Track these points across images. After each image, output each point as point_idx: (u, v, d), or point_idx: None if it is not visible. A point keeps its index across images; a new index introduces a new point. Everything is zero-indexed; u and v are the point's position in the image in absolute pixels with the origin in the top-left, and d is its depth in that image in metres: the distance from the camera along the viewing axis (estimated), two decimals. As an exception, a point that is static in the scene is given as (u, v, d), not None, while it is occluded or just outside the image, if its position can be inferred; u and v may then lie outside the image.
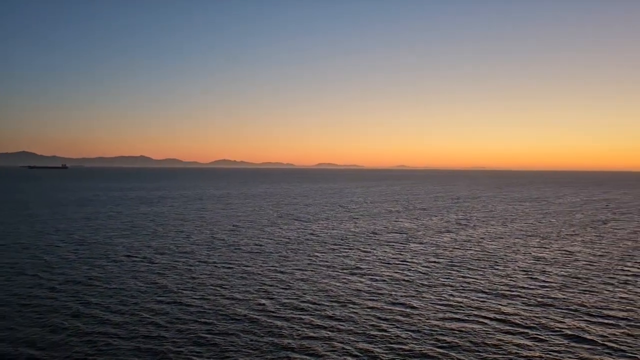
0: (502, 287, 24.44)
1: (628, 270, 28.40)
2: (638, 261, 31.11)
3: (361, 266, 29.06)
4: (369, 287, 24.29)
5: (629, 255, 33.08)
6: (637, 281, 25.76)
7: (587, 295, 23.12)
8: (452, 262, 30.42)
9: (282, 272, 27.24)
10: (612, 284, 25.23)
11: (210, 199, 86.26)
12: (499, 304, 21.56)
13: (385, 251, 34.06)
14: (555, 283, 25.25)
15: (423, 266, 29.13)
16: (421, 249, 34.93)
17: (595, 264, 30.27)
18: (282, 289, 23.93)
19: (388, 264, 29.80)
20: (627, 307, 21.20)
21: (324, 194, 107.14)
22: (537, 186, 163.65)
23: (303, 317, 19.69)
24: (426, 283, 25.08)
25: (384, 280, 25.57)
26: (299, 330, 18.23)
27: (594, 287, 24.63)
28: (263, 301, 21.73)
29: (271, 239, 38.99)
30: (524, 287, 24.34)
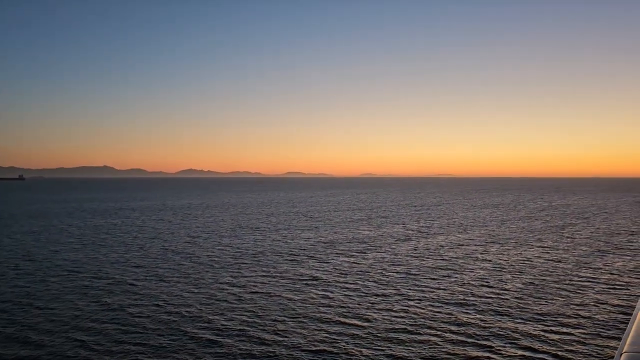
0: (457, 295, 24.00)
1: (583, 277, 28.49)
2: (593, 267, 31.31)
3: (316, 276, 28.23)
4: (322, 297, 23.48)
5: (584, 262, 33.30)
6: (592, 287, 25.78)
7: (542, 303, 23.01)
8: (409, 271, 29.92)
9: (234, 285, 26.14)
10: (568, 290, 25.22)
11: (169, 210, 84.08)
12: (454, 313, 21.07)
13: (341, 261, 33.34)
14: (511, 291, 25.00)
15: (379, 276, 28.50)
16: (378, 258, 34.36)
17: (550, 270, 30.29)
18: (234, 302, 22.88)
19: (343, 274, 29.05)
20: (583, 314, 21.10)
21: (288, 203, 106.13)
22: (499, 192, 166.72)
23: (252, 331, 18.74)
24: (381, 293, 24.42)
25: (337, 291, 24.80)
26: (247, 345, 17.28)
27: (549, 293, 24.49)
28: (212, 316, 20.64)
29: (226, 251, 37.79)
30: (479, 296, 23.96)
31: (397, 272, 29.47)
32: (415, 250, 38.09)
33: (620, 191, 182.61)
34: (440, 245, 40.48)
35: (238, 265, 31.81)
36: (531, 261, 33.36)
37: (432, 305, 22.34)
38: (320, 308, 21.92)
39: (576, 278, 28.28)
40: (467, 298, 23.63)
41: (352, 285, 26.16)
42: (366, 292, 24.80)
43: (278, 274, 28.96)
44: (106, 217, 68.92)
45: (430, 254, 36.29)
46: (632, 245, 40.43)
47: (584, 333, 18.73)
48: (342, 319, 20.34)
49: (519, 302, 23.03)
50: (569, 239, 44.35)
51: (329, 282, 27.00)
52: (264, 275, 28.64)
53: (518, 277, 28.30)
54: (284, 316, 20.77)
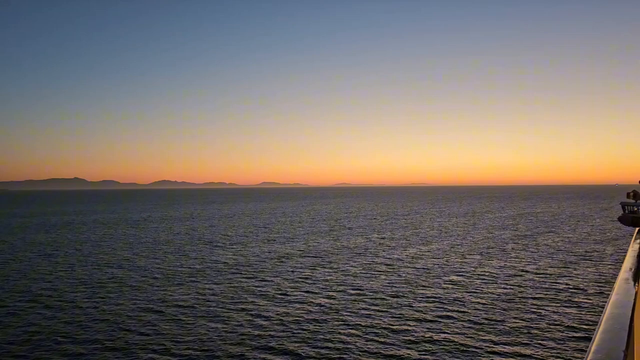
0: (423, 310, 21.40)
1: (552, 287, 26.30)
2: (562, 276, 29.17)
3: (260, 293, 25.26)
4: (260, 316, 20.56)
5: (552, 271, 31.16)
6: (560, 297, 23.53)
7: (512, 314, 21.41)
8: (362, 287, 27.22)
9: (170, 301, 23.00)
10: (536, 301, 23.31)
11: (123, 223, 79.94)
12: (423, 325, 18.52)
13: (289, 278, 30.43)
14: (483, 302, 22.53)
15: (332, 292, 25.72)
16: (330, 274, 31.57)
17: (517, 281, 28.04)
18: (167, 319, 19.85)
19: (294, 287, 26.17)
20: (552, 325, 19.32)
21: (252, 215, 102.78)
22: (469, 201, 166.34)
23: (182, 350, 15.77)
24: (332, 310, 21.64)
25: (272, 310, 21.91)
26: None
27: (518, 305, 22.19)
28: (133, 336, 17.56)
29: (171, 266, 34.52)
30: (445, 309, 21.42)
31: (349, 288, 26.72)
32: (375, 263, 35.44)
33: (589, 199, 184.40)
34: (402, 258, 37.94)
35: (178, 281, 28.65)
36: (500, 271, 31.15)
37: (400, 319, 19.78)
38: (255, 328, 19.00)
39: (545, 288, 27.02)
40: (427, 311, 21.06)
41: (294, 306, 23.29)
42: (311, 311, 21.98)
43: (215, 292, 25.91)
44: (50, 232, 64.57)
45: (394, 267, 33.70)
46: (598, 254, 38.63)
47: (553, 345, 17.92)
48: (281, 342, 17.47)
49: (489, 315, 21.83)
50: (536, 248, 42.39)
51: (267, 301, 24.10)
52: (202, 292, 25.56)
53: (488, 288, 26.02)
54: (223, 336, 17.81)
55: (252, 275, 31.68)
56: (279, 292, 26.88)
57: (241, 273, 32.58)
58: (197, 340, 18.69)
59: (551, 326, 20.20)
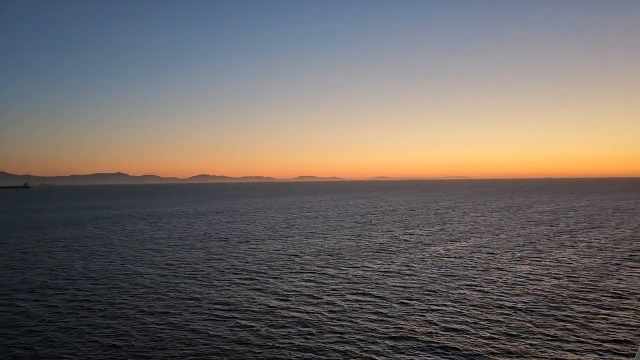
0: (465, 309, 19.05)
1: (600, 288, 23.37)
2: (611, 277, 26.08)
3: (279, 294, 23.38)
4: (257, 319, 18.68)
5: (600, 272, 28.03)
6: (609, 299, 20.67)
7: (545, 320, 18.73)
8: (377, 289, 24.91)
9: (195, 299, 21.45)
10: (584, 303, 20.59)
11: (152, 217, 79.90)
12: (463, 328, 16.27)
13: (297, 278, 28.41)
14: (526, 302, 19.96)
15: (344, 294, 23.56)
16: (344, 274, 29.37)
17: (563, 282, 25.17)
18: (180, 317, 18.23)
19: (348, 283, 24.18)
20: (595, 332, 16.77)
21: (280, 209, 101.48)
22: (504, 195, 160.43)
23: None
24: (380, 305, 19.54)
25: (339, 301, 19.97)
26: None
27: (564, 307, 19.50)
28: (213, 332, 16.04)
29: (187, 262, 33.10)
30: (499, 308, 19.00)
31: (363, 290, 24.49)
32: (396, 262, 33.04)
33: (637, 191, 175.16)
34: (426, 257, 35.34)
35: (199, 279, 27.14)
36: (534, 272, 28.24)
37: (444, 318, 17.58)
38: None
39: (586, 291, 24.33)
40: (471, 311, 18.68)
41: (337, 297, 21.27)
42: (354, 303, 19.92)
43: (261, 288, 24.19)
44: (78, 227, 64.80)
45: (441, 262, 31.27)
46: (645, 257, 34.98)
47: (595, 357, 15.98)
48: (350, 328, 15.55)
49: (520, 321, 19.60)
50: (576, 247, 38.97)
51: (279, 303, 22.19)
52: (249, 288, 23.91)
53: (519, 291, 23.30)
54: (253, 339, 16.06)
55: (258, 275, 29.82)
56: (283, 292, 24.90)
57: (247, 272, 30.79)
58: (206, 336, 16.91)
59: (594, 334, 18.04)
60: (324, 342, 17.87)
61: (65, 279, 30.20)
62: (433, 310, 21.92)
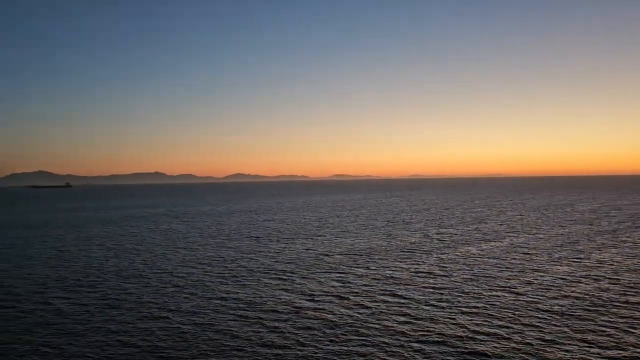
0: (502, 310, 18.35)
1: None
2: None
3: (310, 296, 23.08)
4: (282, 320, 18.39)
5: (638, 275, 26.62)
6: None
7: (583, 326, 17.37)
8: (403, 290, 24.26)
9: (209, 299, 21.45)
10: (622, 308, 19.34)
11: (186, 216, 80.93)
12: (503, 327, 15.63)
13: (322, 278, 27.97)
14: (544, 312, 19.07)
15: (369, 296, 23.02)
16: (371, 275, 28.77)
17: (595, 285, 23.96)
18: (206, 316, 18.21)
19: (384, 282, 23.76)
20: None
21: (311, 208, 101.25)
22: (545, 193, 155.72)
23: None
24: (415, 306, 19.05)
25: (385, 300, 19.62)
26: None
27: (592, 315, 18.49)
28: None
29: (219, 261, 33.17)
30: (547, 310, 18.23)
31: (389, 292, 23.88)
32: (426, 263, 32.25)
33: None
34: (458, 259, 34.37)
35: (225, 277, 27.16)
36: (571, 275, 26.99)
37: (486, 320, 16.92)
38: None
39: (636, 292, 23.05)
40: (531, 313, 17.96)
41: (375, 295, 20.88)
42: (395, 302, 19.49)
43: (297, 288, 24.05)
44: (109, 225, 66.17)
45: (474, 262, 30.41)
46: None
47: None
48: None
49: (571, 320, 18.72)
50: (619, 248, 37.20)
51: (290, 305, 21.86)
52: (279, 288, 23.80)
53: (555, 295, 22.26)
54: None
55: (286, 274, 29.54)
56: (310, 292, 24.53)
57: (275, 271, 30.57)
58: (227, 335, 16.74)
59: (636, 340, 16.95)
60: (349, 344, 17.40)
61: (98, 276, 30.66)
62: (464, 312, 21.15)
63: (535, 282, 26.84)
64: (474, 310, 21.49)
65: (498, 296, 23.88)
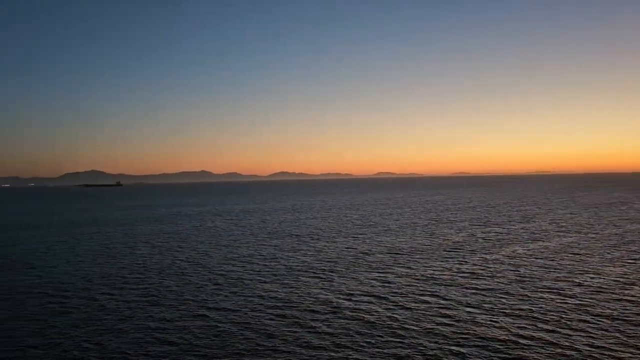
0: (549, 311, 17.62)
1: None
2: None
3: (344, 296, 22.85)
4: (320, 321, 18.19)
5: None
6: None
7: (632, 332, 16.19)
8: (445, 292, 23.56)
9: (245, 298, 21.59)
10: None
11: (229, 214, 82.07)
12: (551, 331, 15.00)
13: (361, 278, 27.55)
14: (596, 319, 18.09)
15: (409, 297, 22.49)
16: (412, 276, 28.14)
17: None
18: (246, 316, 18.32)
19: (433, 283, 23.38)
20: None
21: (353, 207, 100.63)
22: (600, 191, 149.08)
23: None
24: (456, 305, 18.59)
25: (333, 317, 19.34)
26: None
27: None
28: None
29: (259, 259, 33.37)
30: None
31: (430, 294, 23.26)
32: (470, 263, 31.32)
33: None
34: (503, 259, 33.22)
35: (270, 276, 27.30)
36: (625, 278, 25.55)
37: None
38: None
39: None
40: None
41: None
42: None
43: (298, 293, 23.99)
44: (155, 223, 67.81)
45: (520, 262, 29.43)
46: None
47: None
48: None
49: (623, 325, 17.08)
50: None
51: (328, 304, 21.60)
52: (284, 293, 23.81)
53: (606, 300, 21.11)
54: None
55: (325, 272, 29.30)
56: (349, 291, 24.18)
57: (314, 270, 30.38)
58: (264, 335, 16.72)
59: None
60: (387, 346, 16.98)
61: (141, 273, 31.35)
62: (507, 315, 20.30)
63: (585, 284, 25.56)
64: (518, 312, 20.61)
65: (544, 298, 22.84)
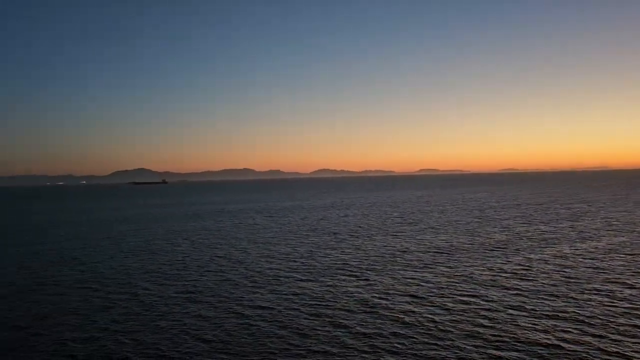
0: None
1: None
2: None
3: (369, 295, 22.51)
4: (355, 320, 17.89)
5: None
6: None
7: None
8: (486, 293, 22.79)
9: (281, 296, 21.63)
10: None
11: (269, 211, 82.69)
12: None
13: (397, 277, 26.99)
14: None
15: (443, 298, 21.87)
16: (448, 276, 27.37)
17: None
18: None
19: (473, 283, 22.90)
20: None
21: (403, 202, 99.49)
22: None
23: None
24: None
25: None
26: None
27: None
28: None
29: (297, 256, 33.37)
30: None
31: (469, 295, 22.54)
32: (512, 262, 30.24)
33: None
34: (548, 259, 31.93)
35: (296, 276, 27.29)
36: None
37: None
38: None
39: None
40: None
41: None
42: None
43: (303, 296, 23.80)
44: (189, 221, 68.97)
45: (566, 263, 28.34)
46: None
47: None
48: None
49: None
50: None
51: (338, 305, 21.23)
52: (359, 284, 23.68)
53: None
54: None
55: (362, 271, 28.89)
56: (386, 290, 23.72)
57: (351, 268, 30.02)
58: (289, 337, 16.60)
59: None
60: (422, 348, 16.48)
61: (180, 270, 31.84)
62: (551, 317, 19.38)
63: (638, 286, 24.16)
64: (563, 315, 19.64)
65: (592, 301, 21.71)
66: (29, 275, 31.41)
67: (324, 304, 22.45)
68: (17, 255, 40.07)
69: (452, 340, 17.24)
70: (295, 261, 33.72)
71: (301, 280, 27.66)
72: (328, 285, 26.05)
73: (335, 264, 32.34)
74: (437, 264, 31.18)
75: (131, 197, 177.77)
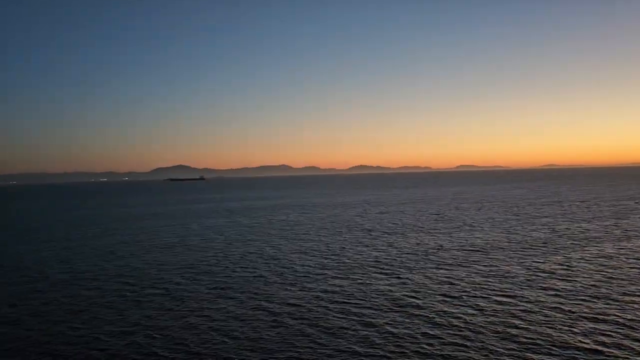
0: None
1: None
2: None
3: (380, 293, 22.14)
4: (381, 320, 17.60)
5: None
6: None
7: None
8: (522, 293, 22.02)
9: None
10: None
11: (304, 207, 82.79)
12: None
13: (428, 276, 26.41)
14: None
15: (475, 299, 21.27)
16: (482, 276, 26.61)
17: None
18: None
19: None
20: None
21: (439, 199, 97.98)
22: None
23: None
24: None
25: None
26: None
27: None
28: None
29: (329, 252, 33.25)
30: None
31: (501, 295, 21.85)
32: (550, 261, 29.20)
33: None
34: (590, 259, 30.69)
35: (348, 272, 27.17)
36: None
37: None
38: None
39: None
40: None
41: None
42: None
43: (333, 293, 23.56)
44: (208, 218, 69.66)
45: (609, 262, 27.28)
46: None
47: None
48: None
49: None
50: None
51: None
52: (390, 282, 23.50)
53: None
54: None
55: (395, 268, 28.45)
56: (418, 288, 23.25)
57: (384, 265, 29.61)
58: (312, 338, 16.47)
59: None
60: (452, 348, 16.02)
61: (211, 265, 32.15)
62: (589, 319, 18.54)
63: (685, 288, 22.87)
64: (603, 318, 18.76)
65: (635, 303, 20.68)
66: (68, 269, 32.33)
67: (353, 302, 22.18)
68: (58, 250, 41.37)
69: (484, 342, 16.69)
70: (326, 258, 33.54)
71: (332, 277, 27.45)
72: (359, 283, 25.75)
73: (367, 261, 32.00)
74: (472, 263, 30.43)
75: (169, 194, 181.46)
